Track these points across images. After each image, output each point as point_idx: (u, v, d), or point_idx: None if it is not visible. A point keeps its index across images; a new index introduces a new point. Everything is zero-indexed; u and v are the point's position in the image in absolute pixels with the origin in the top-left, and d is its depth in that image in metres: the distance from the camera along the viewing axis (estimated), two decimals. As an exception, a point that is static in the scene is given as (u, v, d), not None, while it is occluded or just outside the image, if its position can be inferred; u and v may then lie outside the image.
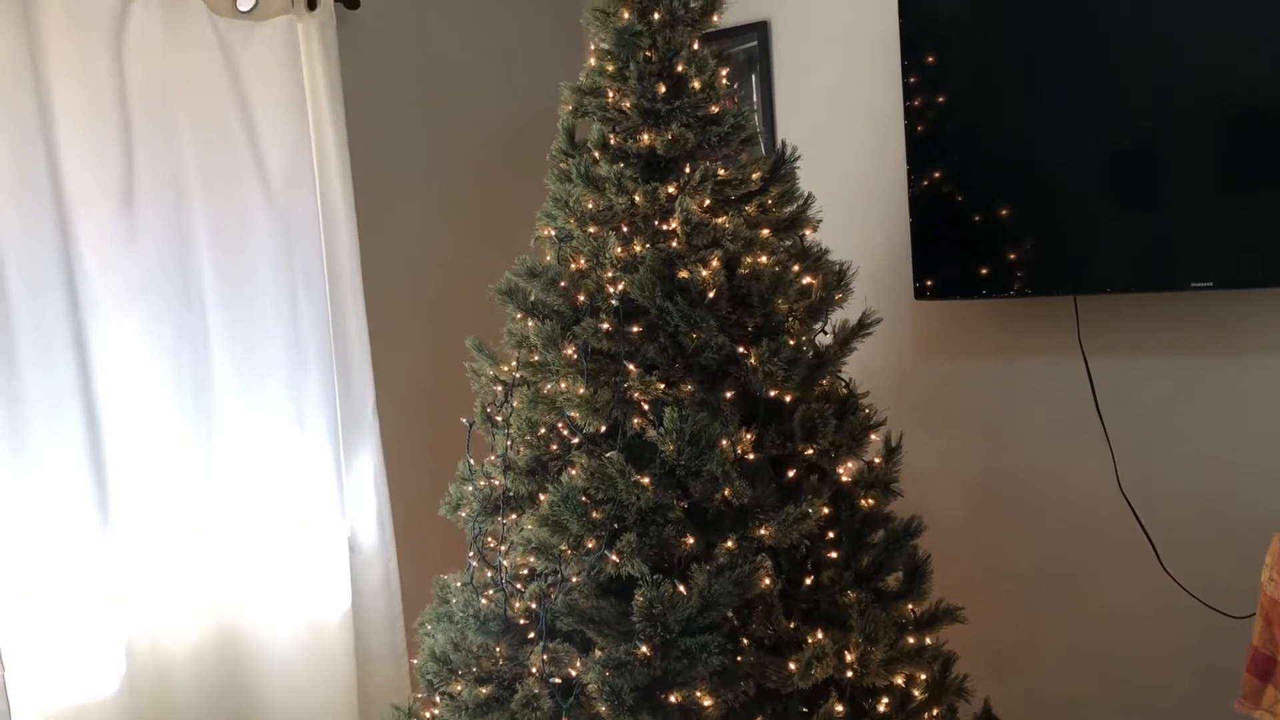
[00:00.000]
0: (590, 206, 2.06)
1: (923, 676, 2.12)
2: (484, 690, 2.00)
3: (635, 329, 1.99)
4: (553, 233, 2.13)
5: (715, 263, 1.96)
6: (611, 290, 2.00)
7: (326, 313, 2.54)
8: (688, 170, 2.03)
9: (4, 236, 2.02)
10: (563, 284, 2.05)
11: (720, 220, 1.99)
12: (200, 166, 2.32)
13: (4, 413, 2.04)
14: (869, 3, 2.75)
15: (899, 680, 2.03)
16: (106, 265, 2.19)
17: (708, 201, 2.00)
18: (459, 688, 2.03)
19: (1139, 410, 2.49)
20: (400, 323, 2.84)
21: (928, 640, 2.18)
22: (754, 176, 2.06)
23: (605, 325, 1.98)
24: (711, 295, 1.96)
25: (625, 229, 2.07)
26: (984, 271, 2.50)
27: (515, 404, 2.14)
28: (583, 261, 2.06)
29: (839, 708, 1.93)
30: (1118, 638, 2.56)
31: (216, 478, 2.37)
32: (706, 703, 1.86)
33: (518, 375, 2.15)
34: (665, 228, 2.02)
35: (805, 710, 1.99)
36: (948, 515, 2.72)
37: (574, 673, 1.93)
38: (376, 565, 2.66)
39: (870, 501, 2.15)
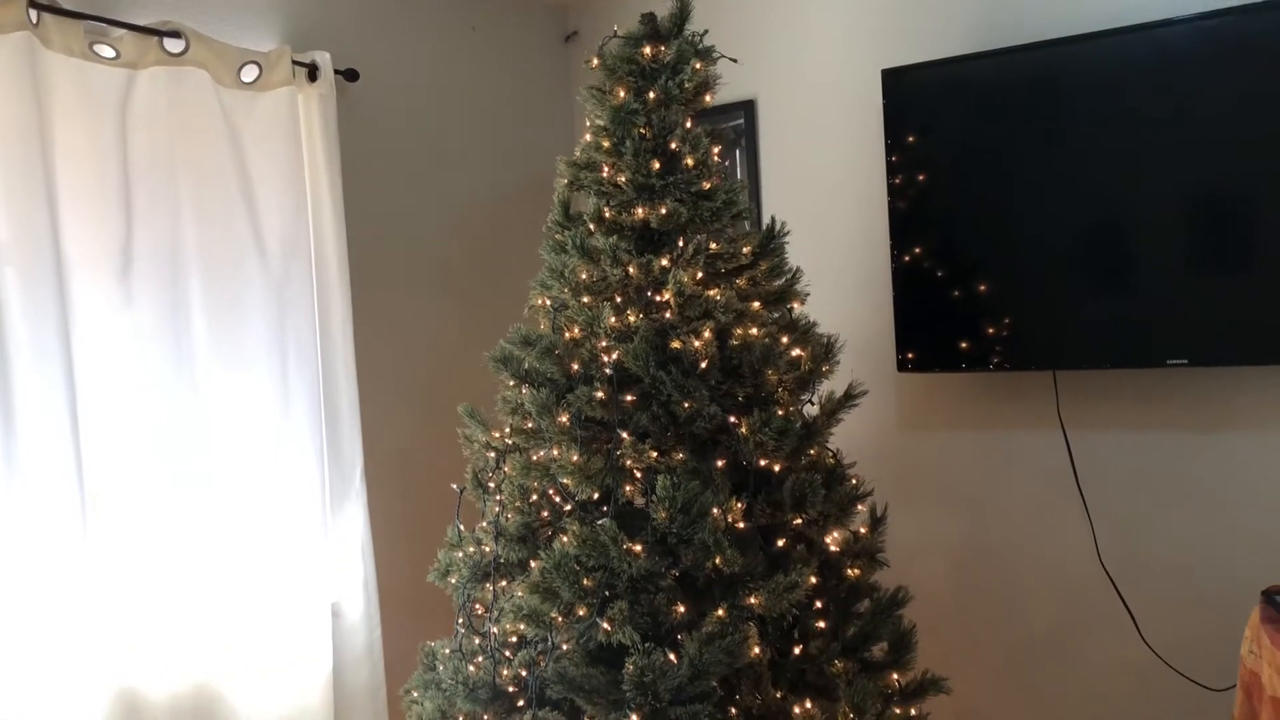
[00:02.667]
0: (585, 277, 2.11)
1: (909, 748, 2.12)
2: (472, 759, 1.99)
3: (629, 397, 2.02)
4: (548, 302, 2.17)
5: (707, 334, 2.00)
6: (606, 359, 2.03)
7: (318, 378, 2.56)
8: (680, 243, 2.08)
9: (5, 297, 2.03)
10: (557, 352, 2.08)
11: (712, 292, 2.04)
12: (199, 233, 2.35)
13: (2, 469, 2.03)
14: (853, 83, 2.85)
15: (886, 751, 2.04)
16: (102, 325, 2.21)
17: (700, 274, 2.05)
18: (446, 756, 2.01)
19: (1118, 483, 2.54)
20: (391, 390, 2.87)
21: (913, 711, 2.19)
22: (745, 250, 2.12)
23: (599, 393, 2.01)
24: (704, 365, 2.00)
25: (619, 299, 2.11)
26: (964, 345, 2.56)
27: (507, 470, 2.16)
28: (577, 330, 2.09)
29: (827, 779, 1.93)
30: (1098, 709, 2.57)
31: (203, 541, 2.36)
32: (696, 772, 1.86)
33: (510, 441, 2.17)
34: (658, 299, 2.06)
35: (793, 781, 1.99)
36: (930, 585, 2.75)
37: (563, 742, 1.93)
38: (360, 632, 2.64)
39: (856, 571, 2.17)
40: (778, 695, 1.99)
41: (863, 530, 2.23)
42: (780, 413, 2.05)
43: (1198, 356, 2.30)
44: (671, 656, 1.88)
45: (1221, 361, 2.30)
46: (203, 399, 2.37)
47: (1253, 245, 2.25)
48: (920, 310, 2.62)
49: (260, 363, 2.45)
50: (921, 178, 2.61)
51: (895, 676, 2.19)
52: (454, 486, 2.29)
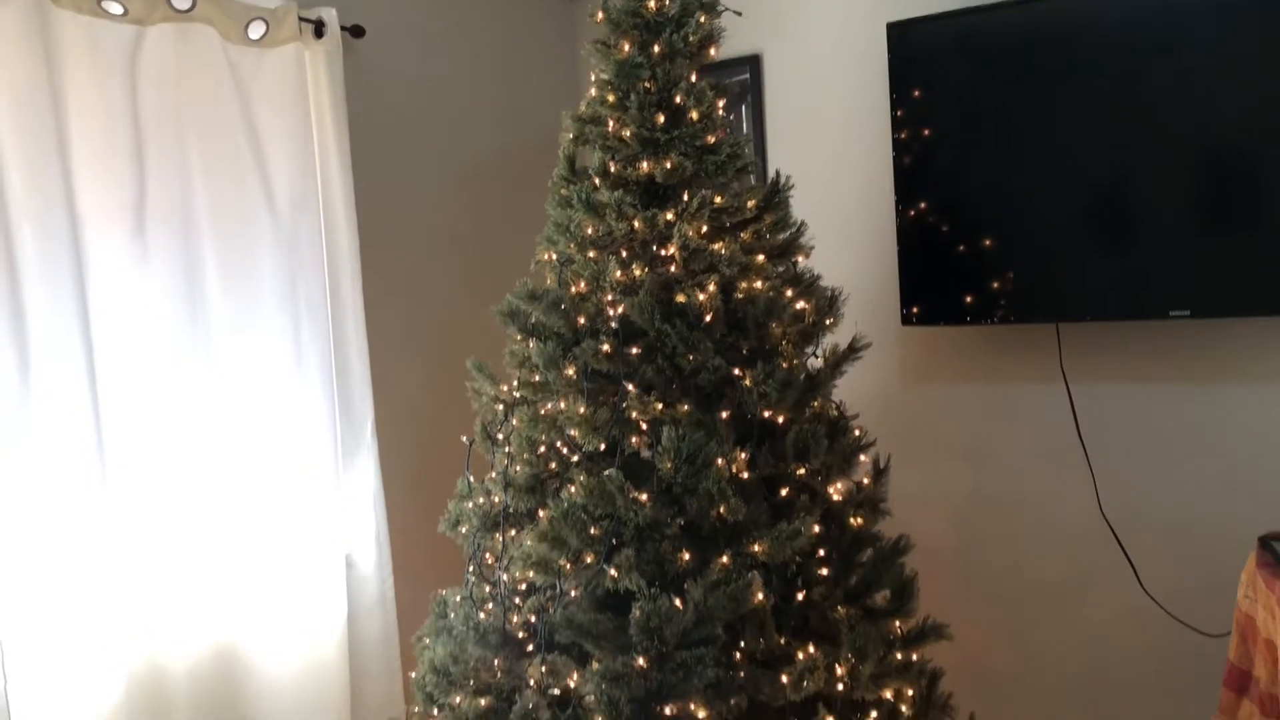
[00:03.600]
0: (590, 232, 2.13)
1: (910, 692, 2.17)
2: (483, 702, 2.04)
3: (634, 350, 2.05)
4: (554, 257, 2.20)
5: (712, 287, 2.02)
6: (611, 313, 2.06)
7: (328, 334, 2.59)
8: (685, 197, 2.10)
9: (20, 253, 2.07)
10: (563, 306, 2.11)
11: (717, 246, 2.06)
12: (209, 189, 2.37)
13: (19, 427, 2.08)
14: (859, 37, 2.85)
15: (887, 695, 2.08)
16: (117, 283, 2.24)
17: (705, 228, 2.06)
18: (458, 699, 2.07)
19: (1119, 434, 2.56)
20: (400, 344, 2.90)
21: (915, 656, 2.23)
22: (749, 204, 2.13)
23: (605, 347, 2.04)
24: (708, 319, 2.03)
25: (624, 254, 2.13)
26: (969, 299, 2.57)
27: (515, 423, 2.19)
28: (583, 285, 2.12)
29: (829, 721, 1.98)
30: (1098, 656, 2.62)
31: (216, 494, 2.41)
32: (701, 715, 1.91)
33: (518, 395, 2.21)
34: (663, 253, 2.08)
35: (796, 723, 2.04)
36: (933, 536, 2.79)
37: (572, 684, 1.98)
38: (372, 583, 2.69)
39: (859, 520, 2.21)
40: (781, 640, 2.03)
41: (866, 481, 2.27)
42: (784, 365, 2.08)
43: (1199, 308, 2.32)
44: (677, 602, 1.92)
45: (1223, 313, 2.31)
46: (216, 355, 2.41)
47: (1256, 199, 2.26)
48: (924, 264, 2.64)
49: (272, 318, 2.48)
50: (927, 132, 2.61)
51: (897, 623, 2.23)
52: (463, 439, 2.33)
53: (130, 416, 2.28)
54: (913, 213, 2.64)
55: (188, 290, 2.35)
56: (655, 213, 2.08)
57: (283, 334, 2.50)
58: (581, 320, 2.10)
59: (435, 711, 2.15)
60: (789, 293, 2.15)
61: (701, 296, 2.02)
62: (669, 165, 2.07)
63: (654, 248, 2.11)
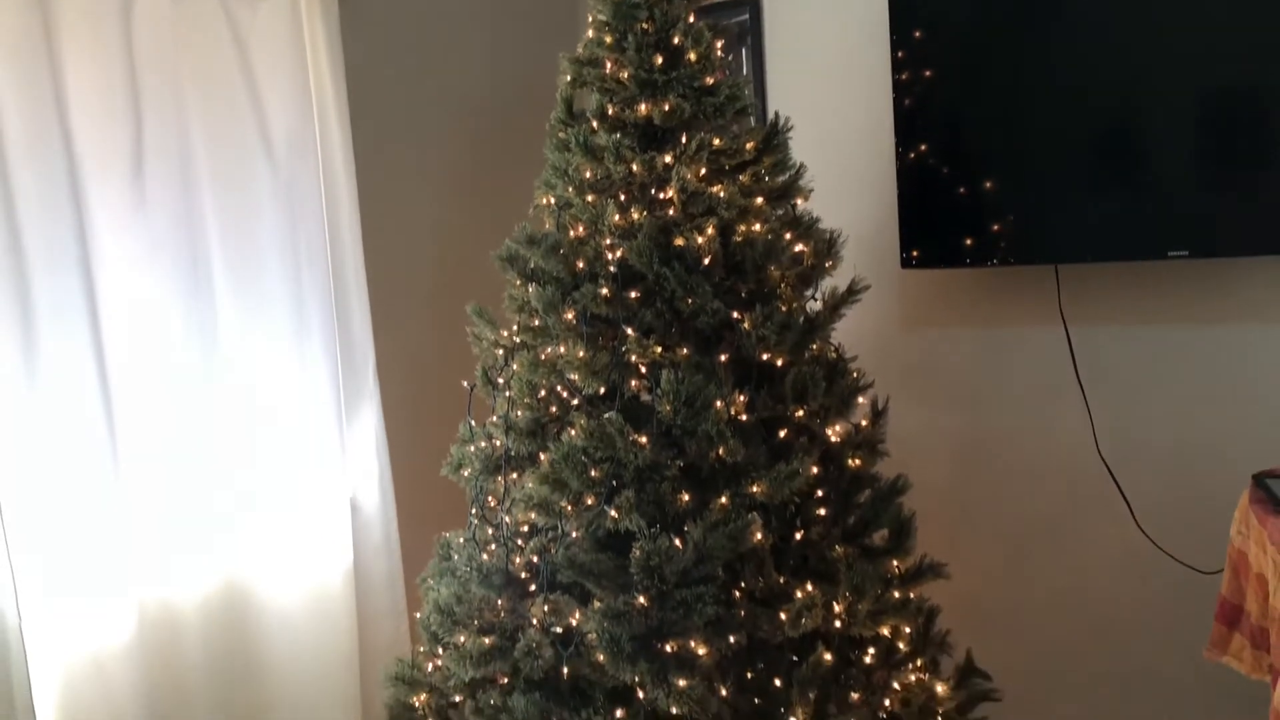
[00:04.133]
0: (588, 175, 2.12)
1: (907, 629, 2.21)
2: (487, 640, 2.08)
3: (633, 294, 2.06)
4: (552, 201, 2.19)
5: (710, 230, 2.03)
6: (610, 257, 2.06)
7: (328, 279, 2.59)
8: (684, 140, 2.09)
9: (20, 200, 2.07)
10: (562, 251, 2.11)
11: (715, 189, 2.06)
12: (207, 137, 2.37)
13: (20, 371, 2.09)
14: (859, -23, 2.81)
15: (884, 631, 2.12)
16: (116, 228, 2.24)
17: (703, 170, 2.06)
18: (463, 638, 2.10)
19: (1117, 375, 2.58)
20: (401, 289, 2.91)
21: (912, 594, 2.27)
22: (748, 146, 2.13)
23: (604, 291, 2.05)
24: (707, 262, 2.03)
25: (623, 197, 2.13)
26: (968, 242, 2.57)
27: (516, 367, 2.21)
28: (581, 229, 2.12)
29: (827, 657, 2.02)
30: (1093, 593, 2.66)
31: (222, 437, 2.44)
32: (701, 651, 1.95)
33: (518, 339, 2.22)
34: (662, 196, 2.08)
35: (795, 659, 2.08)
36: (931, 478, 2.81)
37: (574, 623, 2.01)
38: (377, 526, 2.73)
39: (858, 462, 2.23)
40: (780, 579, 2.07)
41: (864, 422, 2.29)
42: (782, 308, 2.08)
43: (1198, 248, 2.32)
44: (677, 542, 1.95)
45: (1222, 253, 2.32)
46: (218, 301, 2.42)
47: (1257, 139, 2.25)
48: (924, 207, 2.63)
49: (272, 264, 2.49)
50: (927, 74, 2.59)
51: (894, 562, 2.26)
52: (464, 384, 2.34)
53: (134, 360, 2.30)
54: (913, 155, 2.63)
55: (188, 236, 2.36)
56: (653, 155, 2.08)
57: (284, 280, 2.51)
58: (580, 264, 2.10)
59: (440, 650, 2.19)
60: (788, 235, 2.15)
61: (700, 239, 2.02)
62: (667, 107, 2.06)
63: (652, 191, 2.10)
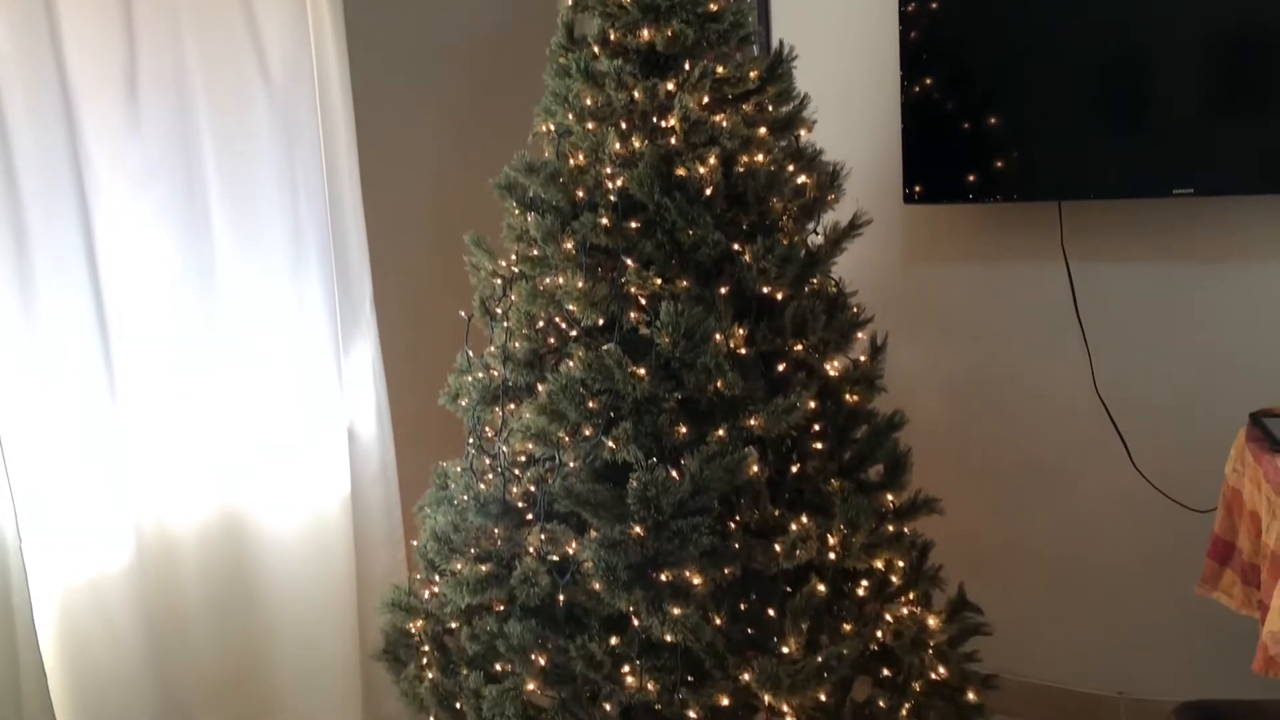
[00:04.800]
0: (589, 102, 2.09)
1: (900, 563, 2.22)
2: (484, 568, 2.09)
3: (633, 224, 2.04)
4: (551, 128, 2.16)
5: (713, 160, 2.00)
6: (610, 186, 2.04)
7: (325, 207, 2.57)
8: (687, 67, 2.05)
9: (12, 121, 2.04)
10: (561, 179, 2.09)
11: (718, 118, 2.03)
12: (202, 60, 2.32)
13: (15, 297, 2.08)
14: (867, -96, 2.75)
15: (878, 565, 2.13)
16: (111, 153, 2.21)
17: (706, 99, 2.03)
18: (460, 566, 2.12)
19: (1117, 314, 2.57)
20: (398, 218, 2.88)
21: (906, 529, 2.28)
22: (752, 75, 2.09)
23: (604, 220, 2.03)
24: (709, 192, 2.01)
25: (624, 125, 2.10)
26: (971, 178, 2.55)
27: (514, 297, 2.19)
28: (581, 157, 2.09)
29: (820, 588, 2.04)
30: (1087, 530, 2.67)
31: (219, 365, 2.43)
32: (696, 581, 1.96)
33: (516, 269, 2.20)
34: (664, 124, 2.05)
35: (788, 591, 2.09)
36: (928, 415, 2.82)
37: (570, 552, 2.02)
38: (374, 455, 2.73)
39: (855, 397, 2.23)
40: (775, 512, 2.08)
41: (863, 358, 2.28)
42: (784, 241, 2.06)
43: (1203, 186, 2.30)
44: (674, 474, 1.95)
45: (1227, 191, 2.29)
46: (214, 228, 2.39)
47: (1266, 77, 2.21)
48: (928, 141, 2.60)
49: (269, 190, 2.46)
50: (934, 5, 2.54)
51: (889, 496, 2.27)
52: (462, 314, 2.33)
53: (130, 286, 2.28)
54: (918, 89, 2.59)
55: (184, 160, 2.33)
56: (655, 83, 2.04)
57: (280, 207, 2.48)
58: (580, 193, 2.08)
59: (437, 578, 2.21)
60: (790, 167, 2.12)
61: (702, 169, 2.00)
62: (670, 33, 2.02)
63: (654, 119, 2.07)
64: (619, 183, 2.02)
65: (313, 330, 2.56)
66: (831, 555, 2.06)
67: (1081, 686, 2.72)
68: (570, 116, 2.12)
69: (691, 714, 1.97)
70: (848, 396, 2.22)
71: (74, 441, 2.17)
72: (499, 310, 2.25)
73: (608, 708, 2.02)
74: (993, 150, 2.52)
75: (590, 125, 2.10)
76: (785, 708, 1.99)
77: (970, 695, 2.29)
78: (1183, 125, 2.31)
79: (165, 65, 2.27)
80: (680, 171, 2.01)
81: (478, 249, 2.29)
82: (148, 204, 2.28)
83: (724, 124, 2.02)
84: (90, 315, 2.17)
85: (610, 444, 1.99)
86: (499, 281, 2.26)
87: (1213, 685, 2.49)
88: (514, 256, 2.20)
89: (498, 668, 2.14)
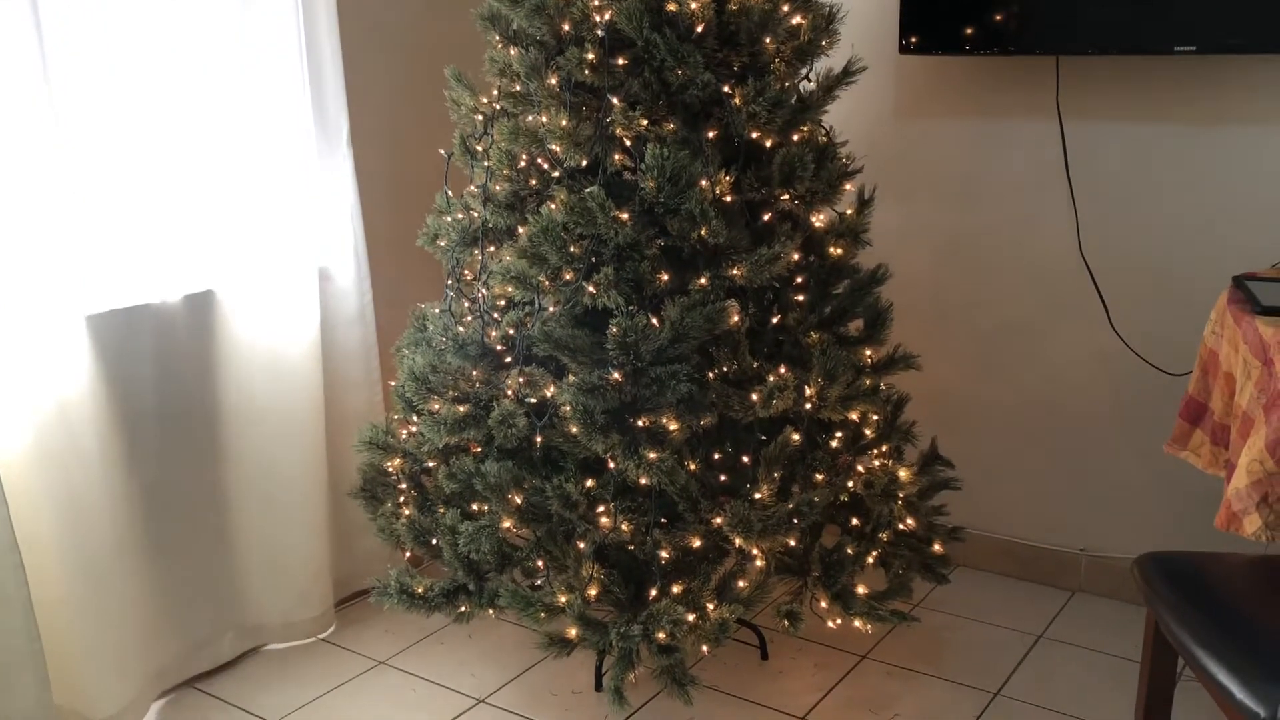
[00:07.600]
0: (578, -70, 1.99)
1: (875, 416, 2.24)
2: (461, 409, 2.09)
3: (620, 61, 1.97)
4: (538, -43, 2.06)
5: (705, -5, 1.92)
6: (597, 19, 1.96)
7: (300, 40, 2.46)
8: (681, -105, 1.95)
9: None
10: (547, 11, 2.00)
11: (711, -49, 1.94)
12: None
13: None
14: None
15: (853, 417, 2.15)
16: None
17: (700, -70, 1.93)
18: (437, 406, 2.12)
19: (1108, 174, 2.53)
20: (376, 49, 2.76)
21: (883, 384, 2.30)
22: (749, -94, 1.99)
23: (590, 56, 1.96)
24: (699, 29, 1.94)
25: (613, -45, 2.01)
26: (969, 29, 2.47)
27: (495, 136, 2.13)
28: (568, -11, 2.00)
29: (795, 438, 2.06)
30: (1061, 390, 2.70)
31: (189, 180, 2.31)
32: (672, 427, 1.97)
33: (498, 106, 2.13)
34: (655, -44, 1.96)
35: (763, 439, 2.11)
36: (912, 270, 2.80)
37: (548, 395, 2.02)
38: (351, 296, 2.68)
39: (839, 250, 2.21)
40: (754, 362, 2.07)
41: (849, 211, 2.25)
42: (776, 84, 2.00)
43: (1206, 44, 2.23)
44: (654, 320, 1.94)
45: (1230, 49, 2.23)
46: (185, 39, 2.26)
47: (1286, -77, 2.13)
48: (928, -12, 2.51)
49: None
50: None
51: (868, 351, 2.28)
52: (441, 152, 2.27)
53: (86, 74, 2.13)
54: (921, -71, 2.47)
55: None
56: (648, -90, 1.94)
57: (257, 31, 2.36)
58: (566, 27, 2.00)
59: (414, 418, 2.21)
60: (785, 7, 2.04)
61: (693, 5, 1.92)
62: None
63: (645, -50, 1.98)
64: (606, 16, 1.95)
65: (285, 161, 2.46)
66: (808, 406, 2.07)
67: (1044, 542, 2.79)
68: (557, -56, 2.02)
69: (663, 554, 2.01)
70: (832, 249, 2.20)
71: (22, 229, 2.03)
72: (480, 149, 2.19)
73: (581, 546, 2.05)
74: (992, 1, 2.43)
75: (578, -46, 2.00)
76: (755, 550, 2.04)
77: (936, 546, 2.35)
78: (1191, -22, 2.23)
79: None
80: (671, 6, 1.93)
81: (458, 84, 2.22)
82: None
83: (718, -43, 1.93)
84: (41, 94, 2.02)
85: (591, 289, 1.97)
86: (480, 118, 2.19)
87: (1174, 543, 2.56)
88: (496, 93, 2.13)
89: (474, 507, 2.17)
